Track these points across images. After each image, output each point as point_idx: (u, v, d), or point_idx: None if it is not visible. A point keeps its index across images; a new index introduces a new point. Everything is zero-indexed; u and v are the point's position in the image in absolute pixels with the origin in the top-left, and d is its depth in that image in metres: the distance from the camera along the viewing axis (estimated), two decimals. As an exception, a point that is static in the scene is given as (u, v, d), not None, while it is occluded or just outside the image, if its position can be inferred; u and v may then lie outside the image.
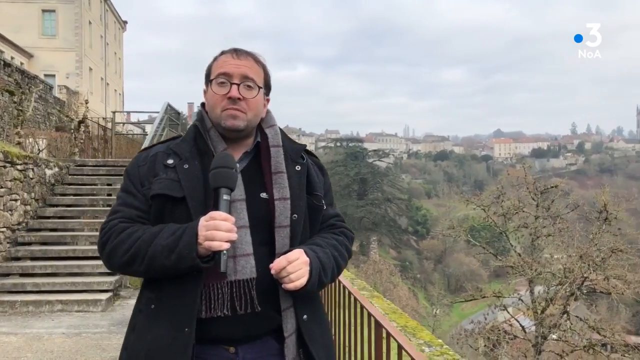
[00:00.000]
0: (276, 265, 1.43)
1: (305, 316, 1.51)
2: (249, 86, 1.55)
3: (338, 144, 76.12)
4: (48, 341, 5.49)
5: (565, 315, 16.58)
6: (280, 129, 1.67)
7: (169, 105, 10.48)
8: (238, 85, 1.54)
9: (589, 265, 15.89)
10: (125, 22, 49.36)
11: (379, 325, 1.82)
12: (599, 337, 16.95)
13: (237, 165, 1.49)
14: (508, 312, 19.49)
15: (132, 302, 6.20)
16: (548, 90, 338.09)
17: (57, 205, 8.90)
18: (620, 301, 17.90)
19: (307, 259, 1.46)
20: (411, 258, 66.98)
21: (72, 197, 9.22)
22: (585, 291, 16.77)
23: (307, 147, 1.72)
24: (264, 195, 1.54)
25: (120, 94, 48.78)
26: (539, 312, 17.46)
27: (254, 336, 1.49)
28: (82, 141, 12.27)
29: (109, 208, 9.62)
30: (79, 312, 6.61)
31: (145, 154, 1.62)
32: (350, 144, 72.56)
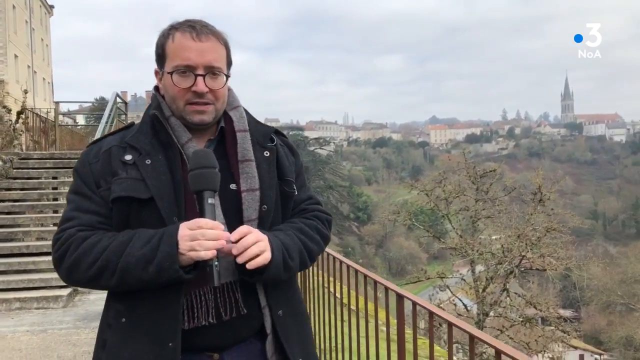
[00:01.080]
0: (238, 241, 1.28)
1: (280, 311, 1.42)
2: (214, 74, 1.38)
3: (279, 132, 76.16)
4: (13, 339, 5.33)
5: (505, 293, 17.54)
6: (246, 110, 1.52)
7: (117, 95, 10.20)
8: (203, 76, 1.36)
9: (526, 244, 16.86)
10: (51, 7, 46.92)
11: (400, 297, 1.97)
12: (535, 311, 18.08)
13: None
14: (450, 292, 20.37)
15: (92, 297, 6.10)
16: (479, 78, 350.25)
17: (3, 201, 8.52)
18: (553, 277, 19.05)
19: (260, 234, 1.32)
20: (353, 244, 68.26)
21: (19, 191, 8.85)
22: (522, 269, 17.77)
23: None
24: (233, 186, 1.40)
25: (49, 83, 46.46)
26: (480, 290, 18.36)
27: (239, 340, 1.40)
28: (21, 133, 11.74)
29: (56, 202, 9.34)
30: (39, 310, 6.42)
31: (95, 149, 1.43)
32: (291, 133, 72.69)
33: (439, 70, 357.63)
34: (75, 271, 1.32)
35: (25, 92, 11.98)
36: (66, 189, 9.69)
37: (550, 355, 17.57)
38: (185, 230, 1.25)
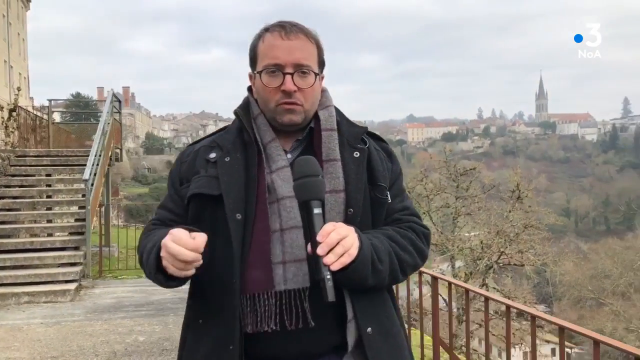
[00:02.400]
0: (325, 236, 1.16)
1: (369, 329, 1.30)
2: (303, 72, 1.35)
3: (257, 129, 75.69)
4: (29, 331, 5.56)
5: (484, 287, 18.14)
6: (338, 109, 1.48)
7: (114, 94, 10.38)
8: (292, 74, 1.34)
9: (505, 240, 17.48)
10: (29, 0, 46.20)
11: (435, 279, 2.33)
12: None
13: (320, 168, 1.26)
14: (430, 287, 20.91)
15: (97, 291, 6.42)
16: (457, 76, 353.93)
17: (2, 198, 8.66)
18: (530, 272, 19.73)
19: (346, 229, 1.21)
20: (332, 241, 68.61)
21: (18, 188, 9.00)
22: (501, 264, 18.40)
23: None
24: None
25: (25, 78, 45.76)
26: (460, 285, 18.93)
27: (311, 354, 1.30)
28: (13, 130, 11.80)
29: (49, 200, 9.48)
30: (48, 303, 6.64)
31: (190, 149, 1.49)
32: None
33: (417, 69, 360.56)
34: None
35: (18, 89, 12.02)
36: (60, 187, 9.88)
37: (526, 350, 18.27)
38: (166, 241, 1.19)
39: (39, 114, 14.22)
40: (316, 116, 1.43)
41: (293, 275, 1.27)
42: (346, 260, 1.18)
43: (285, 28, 1.36)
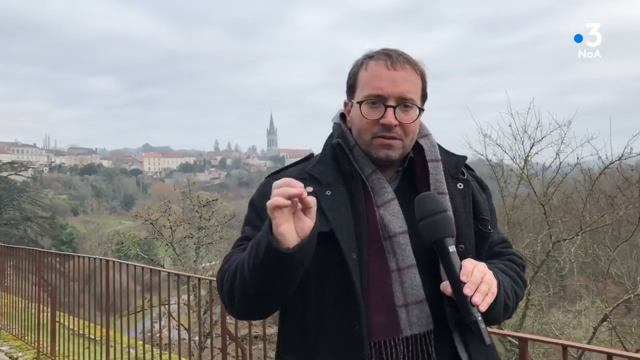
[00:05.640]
0: (468, 272, 1.12)
1: None
2: (406, 106, 1.28)
3: (-41, 154, 64.46)
4: None
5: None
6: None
7: None
8: (394, 108, 1.26)
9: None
10: None
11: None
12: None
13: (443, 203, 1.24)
14: (174, 319, 20.81)
15: None
16: (194, 107, 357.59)
17: None
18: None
19: (482, 266, 1.17)
20: (57, 281, 61.85)
21: None
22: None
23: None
24: None
25: None
26: (202, 313, 19.34)
27: None
28: None
29: None
30: None
31: (274, 181, 1.29)
32: (-23, 155, 62.41)
33: (153, 97, 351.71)
34: (231, 297, 1.25)
35: None
36: None
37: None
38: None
39: None
40: (416, 145, 1.36)
41: (417, 319, 1.21)
42: (490, 299, 1.14)
43: (391, 57, 1.29)
